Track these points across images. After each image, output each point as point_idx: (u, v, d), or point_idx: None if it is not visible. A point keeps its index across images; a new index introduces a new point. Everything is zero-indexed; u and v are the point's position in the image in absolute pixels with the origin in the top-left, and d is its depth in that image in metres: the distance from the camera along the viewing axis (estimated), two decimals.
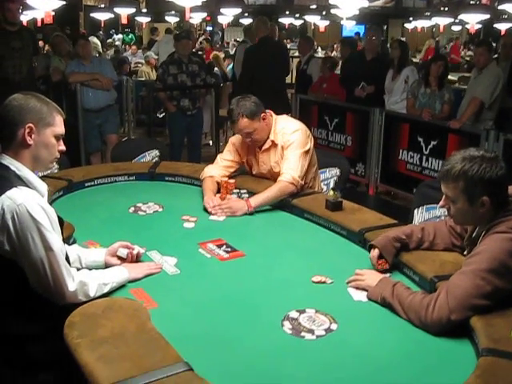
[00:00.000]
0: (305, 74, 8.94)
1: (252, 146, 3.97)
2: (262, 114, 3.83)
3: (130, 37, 22.56)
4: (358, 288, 2.64)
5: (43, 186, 2.41)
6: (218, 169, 4.00)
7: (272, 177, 3.93)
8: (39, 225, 2.22)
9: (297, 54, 13.10)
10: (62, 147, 2.47)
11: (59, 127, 2.44)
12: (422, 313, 2.29)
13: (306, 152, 3.83)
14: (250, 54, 8.12)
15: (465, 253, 2.66)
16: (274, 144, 3.90)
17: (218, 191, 3.83)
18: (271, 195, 3.66)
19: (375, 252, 2.82)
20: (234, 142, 4.07)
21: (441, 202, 2.56)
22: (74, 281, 2.32)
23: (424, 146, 6.71)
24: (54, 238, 2.28)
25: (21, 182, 2.29)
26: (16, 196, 2.21)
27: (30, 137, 2.33)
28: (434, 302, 2.28)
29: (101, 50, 16.42)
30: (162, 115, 9.55)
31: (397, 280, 2.58)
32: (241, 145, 4.04)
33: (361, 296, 2.58)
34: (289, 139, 3.82)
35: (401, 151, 7.03)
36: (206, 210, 3.61)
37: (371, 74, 7.52)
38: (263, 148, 3.95)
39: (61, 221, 2.48)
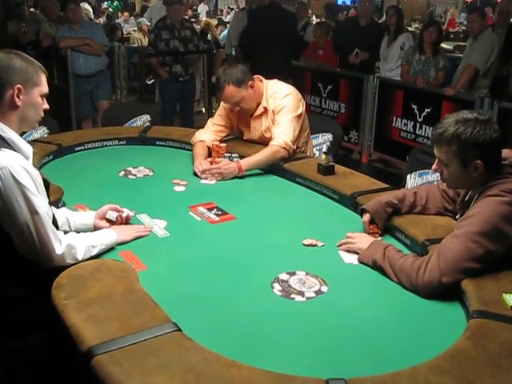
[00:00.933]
0: (301, 41, 8.84)
1: (243, 113, 3.93)
2: (250, 82, 3.76)
3: (115, 4, 22.24)
4: (348, 251, 2.62)
5: (28, 149, 2.36)
6: (209, 133, 3.96)
7: (263, 142, 3.88)
8: (24, 188, 2.17)
9: None
10: (46, 106, 2.43)
11: (45, 86, 2.39)
12: (413, 275, 2.27)
13: (298, 116, 3.79)
14: (256, 14, 7.99)
15: (457, 217, 2.63)
16: (266, 110, 3.85)
17: (209, 156, 3.80)
18: (262, 159, 3.63)
19: (366, 217, 2.79)
20: (226, 107, 4.02)
21: (433, 166, 2.52)
22: (61, 244, 2.30)
23: (418, 114, 6.68)
24: (40, 201, 2.24)
25: (5, 144, 2.24)
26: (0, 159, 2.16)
27: (19, 98, 2.28)
28: (425, 264, 2.26)
29: (92, 17, 16.20)
30: (151, 82, 9.47)
31: (388, 243, 2.56)
32: (232, 110, 3.99)
33: (351, 259, 2.57)
34: (280, 104, 3.77)
35: (394, 118, 7.01)
36: (196, 174, 3.59)
37: (365, 41, 7.45)
38: (255, 114, 3.91)
39: (47, 184, 2.45)
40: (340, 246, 2.67)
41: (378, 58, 7.72)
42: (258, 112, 3.88)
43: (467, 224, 2.31)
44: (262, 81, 3.90)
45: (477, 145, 2.34)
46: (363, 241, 2.61)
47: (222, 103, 4.12)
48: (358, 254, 2.58)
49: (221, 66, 4.13)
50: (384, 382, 1.68)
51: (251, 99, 3.80)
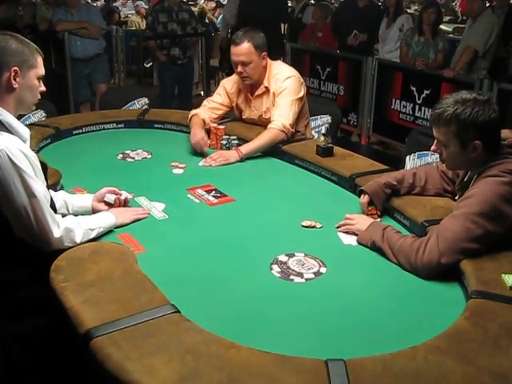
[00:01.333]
0: (300, 23, 8.79)
1: (244, 88, 3.91)
2: (264, 53, 3.77)
3: None
4: (347, 232, 2.62)
5: (26, 132, 2.35)
6: (205, 111, 3.96)
7: (262, 123, 3.87)
8: (21, 171, 2.16)
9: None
10: (43, 88, 2.41)
11: (41, 68, 2.38)
12: (412, 256, 2.27)
13: (298, 99, 3.77)
14: None
15: (456, 198, 2.62)
16: (268, 90, 3.83)
17: (208, 136, 3.79)
18: (261, 143, 3.62)
19: (365, 198, 2.79)
20: (226, 85, 4.01)
21: (432, 147, 2.51)
22: (59, 227, 2.29)
23: (417, 96, 6.66)
24: (37, 184, 2.23)
25: (2, 127, 2.23)
26: None
27: (15, 80, 2.26)
28: (424, 245, 2.26)
29: (89, 0, 16.11)
30: (149, 65, 9.42)
31: (387, 224, 2.55)
32: (233, 88, 3.98)
33: (350, 240, 2.57)
34: (281, 86, 3.75)
35: (393, 100, 6.98)
36: (195, 152, 3.61)
37: (363, 22, 7.41)
38: (256, 93, 3.89)
39: (44, 167, 2.44)
40: (339, 227, 2.66)
41: (377, 39, 7.67)
42: (259, 91, 3.87)
43: (466, 205, 2.30)
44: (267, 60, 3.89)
45: (476, 125, 2.32)
46: (362, 222, 2.60)
47: (222, 81, 4.11)
48: (356, 235, 2.57)
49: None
50: (383, 362, 1.68)
51: (258, 69, 3.77)
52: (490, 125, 2.35)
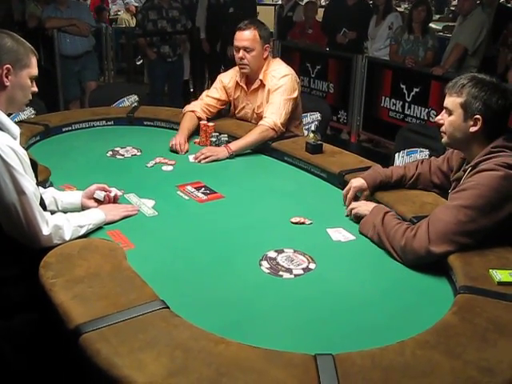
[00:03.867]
0: (290, 21, 8.79)
1: (241, 80, 3.92)
2: (266, 45, 3.82)
3: None
4: (337, 230, 2.64)
5: (16, 129, 2.34)
6: (202, 105, 3.98)
7: (254, 119, 3.90)
8: (11, 168, 2.16)
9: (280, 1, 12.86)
10: (35, 88, 2.41)
11: (34, 68, 2.37)
12: (403, 241, 2.30)
13: (292, 99, 3.79)
14: None
15: (449, 190, 2.64)
16: (263, 84, 3.85)
17: (197, 133, 3.81)
18: (251, 140, 3.63)
19: (351, 192, 2.83)
20: (223, 79, 4.03)
21: (438, 116, 2.59)
22: (48, 225, 2.28)
23: (407, 93, 6.66)
24: (27, 181, 2.22)
25: None
26: None
27: (7, 78, 2.26)
28: (415, 231, 2.30)
29: None
30: (139, 62, 9.41)
31: (389, 209, 2.60)
32: (230, 82, 4.00)
33: (339, 236, 2.58)
34: (277, 83, 3.77)
35: (383, 98, 6.99)
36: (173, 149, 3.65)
37: (353, 20, 7.42)
38: (252, 88, 3.91)
39: (34, 164, 2.43)
40: (349, 214, 2.74)
41: (367, 37, 7.69)
42: (255, 85, 3.89)
43: (460, 197, 2.32)
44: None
45: (483, 100, 2.39)
46: (366, 206, 2.67)
47: (219, 76, 4.12)
48: (345, 231, 2.60)
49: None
50: (371, 357, 1.69)
51: (258, 59, 3.80)
52: (495, 108, 2.41)
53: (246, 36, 3.73)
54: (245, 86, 3.94)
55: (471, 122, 2.42)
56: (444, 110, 2.53)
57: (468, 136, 2.45)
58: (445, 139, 2.58)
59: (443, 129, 2.54)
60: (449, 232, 2.25)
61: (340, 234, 2.59)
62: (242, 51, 3.75)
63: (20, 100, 2.36)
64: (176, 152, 3.61)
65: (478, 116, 2.40)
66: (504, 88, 2.46)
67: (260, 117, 3.75)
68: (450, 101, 2.48)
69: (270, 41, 3.85)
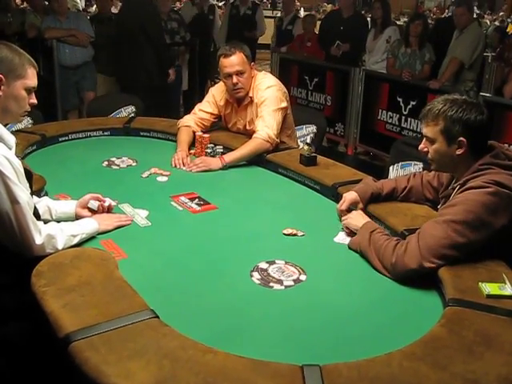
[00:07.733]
0: (289, 35, 8.82)
1: (232, 97, 3.92)
2: (252, 63, 3.86)
3: None
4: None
5: (11, 139, 2.35)
6: (195, 120, 3.99)
7: (247, 133, 3.90)
8: (5, 177, 2.17)
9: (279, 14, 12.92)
10: (34, 100, 2.41)
11: (31, 80, 2.36)
12: (393, 257, 2.31)
13: (281, 109, 3.79)
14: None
15: (439, 206, 2.65)
16: (252, 100, 3.86)
17: (193, 144, 3.82)
18: (245, 152, 3.64)
19: (344, 205, 2.84)
20: (215, 93, 4.04)
21: (420, 145, 2.57)
22: (41, 234, 2.29)
23: (403, 106, 6.72)
24: (21, 190, 2.23)
25: None
26: None
27: (0, 88, 2.27)
28: (404, 248, 2.30)
29: (81, 8, 16.05)
30: None
31: (377, 226, 2.60)
32: (222, 99, 4.01)
33: (341, 238, 2.67)
34: (262, 95, 3.78)
35: (380, 111, 7.04)
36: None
37: (347, 32, 7.46)
38: (242, 104, 3.92)
39: (29, 174, 2.44)
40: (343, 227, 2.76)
41: (364, 50, 7.72)
42: (245, 101, 3.90)
43: (450, 212, 2.33)
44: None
45: (461, 121, 2.40)
46: (357, 218, 2.68)
47: (211, 89, 4.13)
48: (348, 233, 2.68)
49: None
50: (358, 368, 1.70)
51: (250, 79, 3.82)
52: (476, 125, 2.41)
53: (235, 61, 3.73)
54: (235, 103, 3.96)
55: (456, 146, 2.43)
56: (425, 139, 2.53)
57: (455, 159, 2.47)
58: (434, 167, 2.61)
59: (430, 157, 2.55)
60: (440, 247, 2.26)
61: (341, 236, 2.70)
62: (235, 77, 3.75)
63: (14, 111, 2.36)
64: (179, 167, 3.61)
65: (461, 138, 2.41)
66: (477, 103, 2.48)
67: (252, 132, 3.76)
68: (429, 130, 2.48)
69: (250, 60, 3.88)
